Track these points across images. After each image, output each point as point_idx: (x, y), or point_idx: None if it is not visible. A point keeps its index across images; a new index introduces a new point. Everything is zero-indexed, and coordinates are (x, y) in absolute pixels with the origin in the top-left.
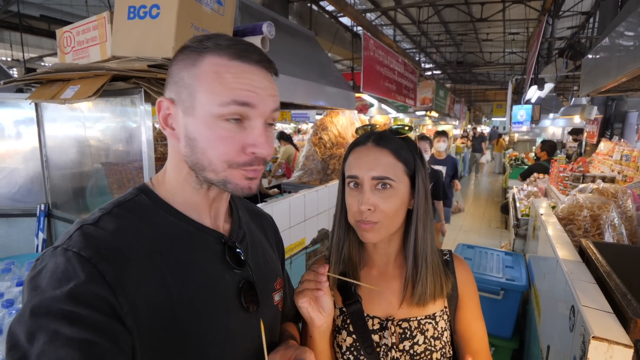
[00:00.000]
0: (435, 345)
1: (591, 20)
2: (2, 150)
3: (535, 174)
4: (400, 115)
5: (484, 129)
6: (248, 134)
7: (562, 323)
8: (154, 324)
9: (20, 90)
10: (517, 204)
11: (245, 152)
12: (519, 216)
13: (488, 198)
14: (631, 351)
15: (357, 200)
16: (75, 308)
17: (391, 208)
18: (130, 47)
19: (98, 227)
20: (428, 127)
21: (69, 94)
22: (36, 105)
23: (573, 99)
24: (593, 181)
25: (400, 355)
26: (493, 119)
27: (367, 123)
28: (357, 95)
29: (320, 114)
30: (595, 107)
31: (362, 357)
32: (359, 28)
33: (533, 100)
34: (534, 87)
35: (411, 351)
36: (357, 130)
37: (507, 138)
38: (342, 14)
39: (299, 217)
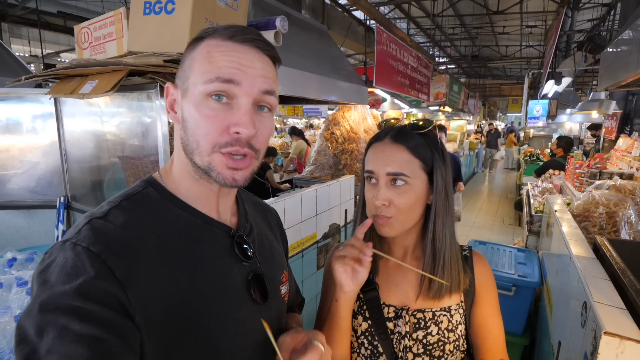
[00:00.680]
0: (448, 337)
1: (612, 12)
2: (23, 145)
3: (550, 170)
4: (414, 110)
5: (499, 124)
6: (234, 113)
7: (574, 319)
8: (165, 318)
9: (39, 86)
10: (531, 201)
11: (228, 131)
12: (533, 213)
13: (501, 194)
14: None
15: (374, 194)
16: (84, 304)
17: (405, 204)
18: (146, 43)
19: (107, 221)
20: (442, 123)
21: (87, 89)
22: (55, 100)
23: (592, 93)
24: (610, 178)
25: (413, 344)
26: (508, 114)
27: (391, 117)
28: (369, 89)
29: (332, 109)
30: (614, 102)
31: (375, 342)
32: (372, 22)
33: (550, 95)
34: (551, 82)
35: (424, 341)
36: (379, 125)
37: (522, 134)
38: (355, 8)
39: (311, 212)
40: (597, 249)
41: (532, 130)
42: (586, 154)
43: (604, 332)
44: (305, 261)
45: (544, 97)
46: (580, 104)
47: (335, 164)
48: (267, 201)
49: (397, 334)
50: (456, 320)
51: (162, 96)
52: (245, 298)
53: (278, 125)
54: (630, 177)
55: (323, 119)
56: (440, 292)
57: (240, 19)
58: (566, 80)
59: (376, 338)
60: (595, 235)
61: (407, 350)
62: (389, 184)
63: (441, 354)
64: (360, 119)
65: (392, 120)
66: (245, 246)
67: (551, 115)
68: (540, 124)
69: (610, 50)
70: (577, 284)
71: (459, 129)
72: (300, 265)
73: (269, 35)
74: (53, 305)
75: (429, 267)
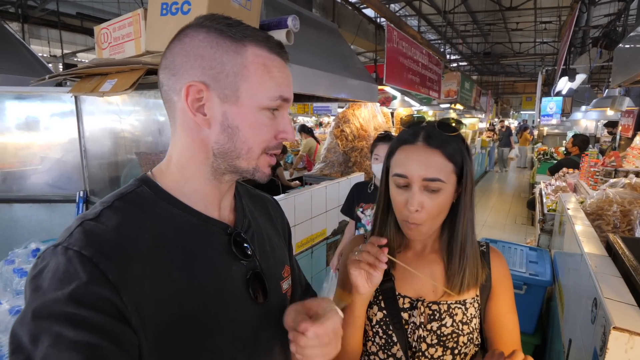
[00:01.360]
0: (462, 330)
1: (628, 7)
2: (43, 142)
3: (564, 169)
4: (424, 108)
5: (511, 122)
6: (279, 121)
7: (584, 316)
8: (162, 319)
9: (59, 85)
10: (544, 199)
11: (276, 137)
12: (545, 211)
13: (514, 193)
14: None
15: (405, 198)
16: (77, 310)
17: (437, 208)
18: (163, 42)
19: (99, 223)
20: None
21: (107, 87)
22: (76, 98)
23: (606, 90)
24: (626, 176)
25: (427, 335)
26: (522, 112)
27: (414, 114)
28: (379, 87)
29: (342, 107)
30: (627, 99)
31: (390, 332)
32: (383, 19)
33: (564, 92)
34: (565, 79)
35: (438, 332)
36: (401, 121)
37: (536, 132)
38: (365, 6)
39: (320, 209)
40: (610, 247)
41: (546, 128)
42: (603, 152)
43: (613, 327)
44: (315, 257)
45: (558, 94)
46: (594, 100)
47: (345, 161)
48: (277, 197)
49: (411, 324)
50: (471, 314)
51: None
52: (244, 297)
53: None
54: None
55: (333, 117)
56: (459, 287)
57: (253, 18)
58: (580, 77)
59: (391, 328)
60: (609, 233)
61: (421, 340)
62: (423, 188)
63: (455, 345)
64: (370, 117)
65: (414, 118)
66: (244, 244)
67: (565, 113)
68: (554, 121)
69: (624, 46)
70: (588, 281)
71: (470, 127)
72: (309, 261)
73: (280, 34)
74: (46, 312)
75: (453, 267)
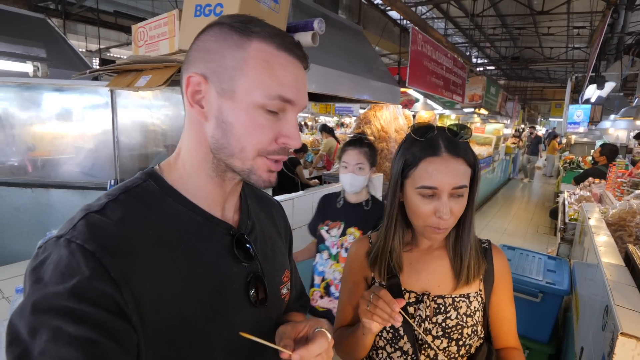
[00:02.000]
0: (466, 322)
1: None
2: (77, 132)
3: (590, 179)
4: (447, 112)
5: (539, 129)
6: (282, 125)
7: (596, 324)
8: (161, 318)
9: (95, 79)
10: (567, 208)
11: (277, 141)
12: (567, 220)
13: (538, 202)
14: None
15: (432, 207)
16: (78, 305)
17: (462, 210)
18: None
19: (103, 216)
20: (477, 125)
21: (142, 83)
22: (111, 92)
23: (636, 99)
24: None
25: (433, 327)
26: (550, 118)
27: (416, 124)
28: (402, 90)
29: (364, 108)
30: None
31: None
32: (408, 22)
33: (593, 100)
34: (593, 86)
35: (443, 324)
36: (414, 130)
37: (564, 140)
38: (390, 8)
39: None
40: (628, 258)
41: (574, 137)
42: (634, 163)
43: (621, 333)
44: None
45: (586, 102)
46: (623, 109)
47: None
48: (295, 195)
49: (417, 318)
50: (474, 307)
51: None
52: (243, 300)
53: (310, 123)
54: None
55: (354, 118)
56: (466, 280)
57: (281, 21)
58: (610, 85)
59: None
60: (629, 244)
61: (427, 332)
62: (451, 196)
63: (459, 337)
64: (392, 119)
65: (423, 124)
66: (246, 245)
67: (594, 122)
68: (581, 129)
69: None
70: (602, 289)
71: (494, 132)
72: None
73: (306, 37)
74: (46, 305)
75: (460, 262)
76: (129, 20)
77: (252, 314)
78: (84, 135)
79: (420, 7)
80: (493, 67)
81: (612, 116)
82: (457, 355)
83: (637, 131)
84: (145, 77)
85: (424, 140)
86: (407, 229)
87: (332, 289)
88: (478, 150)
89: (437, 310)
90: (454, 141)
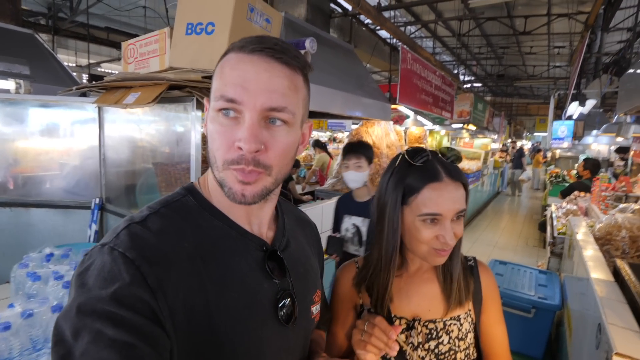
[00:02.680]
0: (459, 346)
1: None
2: (63, 148)
3: (576, 192)
4: (436, 128)
5: (525, 143)
6: (238, 128)
7: (590, 342)
8: (191, 329)
9: (83, 95)
10: (555, 222)
11: (233, 147)
12: (556, 234)
13: (526, 215)
14: None
15: (435, 233)
16: (118, 310)
17: (462, 231)
18: (186, 60)
19: (144, 227)
20: (465, 140)
21: (131, 100)
22: (99, 108)
23: (616, 116)
24: (636, 201)
25: (426, 355)
26: (535, 133)
27: (410, 148)
28: (393, 106)
29: (357, 124)
30: (633, 126)
31: (388, 356)
32: (398, 41)
33: (575, 117)
34: (575, 103)
35: (436, 350)
36: (410, 154)
37: (549, 154)
38: (380, 28)
39: (331, 223)
40: (617, 273)
41: (558, 151)
42: (616, 176)
43: (615, 353)
44: (325, 272)
45: (569, 118)
46: (604, 126)
47: None
48: None
49: (410, 345)
50: (465, 329)
51: (198, 109)
52: (271, 316)
53: None
54: None
55: (347, 133)
56: (457, 301)
57: None
58: (591, 102)
59: None
60: (617, 258)
61: None
62: (453, 220)
63: None
64: (383, 135)
65: (415, 148)
66: (278, 262)
67: (577, 137)
68: (565, 144)
69: (630, 75)
70: (594, 306)
71: (483, 147)
72: None
73: None
74: (90, 308)
75: (450, 283)
76: (121, 36)
77: (280, 332)
78: (70, 151)
79: (409, 27)
80: (480, 84)
81: (594, 132)
82: None
83: (618, 146)
84: (134, 94)
85: (422, 166)
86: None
87: None
88: (467, 164)
89: (429, 336)
90: (450, 165)
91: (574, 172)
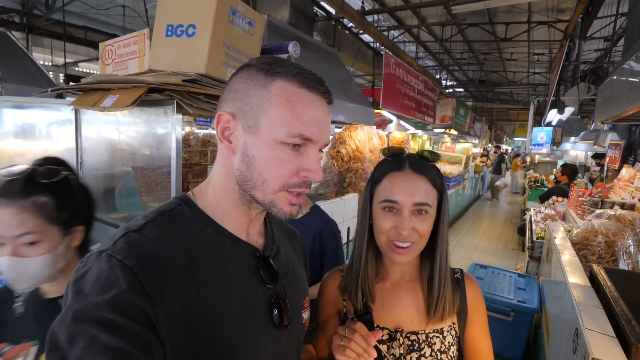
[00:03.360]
0: (441, 359)
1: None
2: (40, 150)
3: (554, 197)
4: (419, 132)
5: (505, 148)
6: (304, 159)
7: (567, 346)
8: (189, 335)
9: (59, 96)
10: (534, 226)
11: (298, 175)
12: (534, 238)
13: (506, 219)
14: None
15: (393, 223)
16: (115, 317)
17: (427, 231)
18: (166, 62)
19: (141, 235)
20: (447, 145)
21: (109, 103)
22: (76, 110)
23: (593, 124)
24: (612, 207)
25: None
26: (515, 138)
27: (389, 146)
28: (376, 111)
29: (339, 128)
30: (610, 134)
31: None
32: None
33: (554, 123)
34: (554, 111)
35: None
36: (383, 151)
37: (528, 159)
38: (364, 32)
39: None
40: (593, 278)
41: (537, 156)
42: (592, 181)
43: (592, 358)
44: None
45: (548, 124)
46: (582, 133)
47: (340, 181)
48: None
49: (391, 356)
50: (448, 342)
51: (178, 112)
52: (267, 321)
53: None
54: (632, 207)
55: (330, 137)
56: (443, 313)
57: (255, 43)
58: (569, 110)
59: None
60: (594, 263)
61: None
62: (412, 213)
63: None
64: (366, 139)
65: (396, 146)
66: (270, 268)
67: (555, 143)
68: (544, 150)
69: (607, 84)
70: (571, 311)
71: (464, 152)
72: None
73: None
74: (86, 315)
75: (435, 293)
76: (99, 35)
77: (275, 336)
78: (45, 153)
79: (392, 32)
80: (461, 90)
81: (572, 138)
82: None
83: (594, 152)
84: (112, 96)
85: (391, 159)
86: (377, 260)
87: None
88: (449, 168)
89: (411, 348)
90: (420, 161)
91: (552, 177)
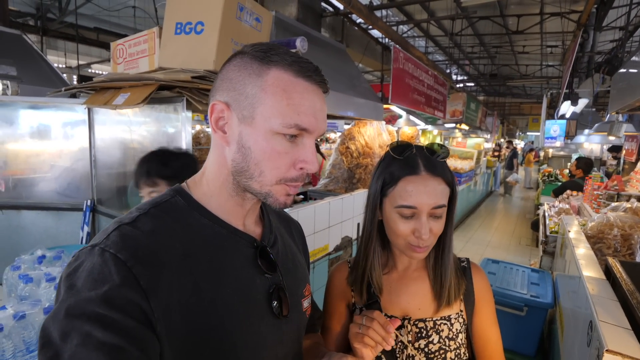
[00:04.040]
0: (449, 345)
1: (630, 35)
2: (54, 150)
3: (568, 191)
4: (429, 127)
5: (518, 143)
6: (300, 150)
7: (582, 339)
8: (187, 328)
9: (73, 96)
10: (547, 221)
11: (295, 167)
12: (548, 233)
13: (519, 214)
14: None
15: (411, 227)
16: (108, 312)
17: (441, 229)
18: (175, 60)
19: (135, 228)
20: (458, 140)
21: (120, 101)
22: (89, 109)
23: (608, 115)
24: (628, 200)
25: (416, 353)
26: (528, 132)
27: (398, 142)
28: (385, 106)
29: (349, 124)
30: (625, 125)
31: (379, 354)
32: (390, 40)
33: (567, 116)
34: (568, 103)
35: (426, 349)
36: (393, 148)
37: (542, 153)
38: (372, 27)
39: (324, 224)
40: (608, 271)
41: (551, 150)
42: (609, 175)
43: (606, 350)
44: (317, 273)
45: (562, 117)
46: (596, 125)
47: (350, 177)
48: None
49: (399, 344)
50: (456, 329)
51: (188, 109)
52: (266, 311)
53: None
54: None
55: (339, 133)
56: (449, 299)
57: (263, 39)
58: (583, 102)
59: None
60: (609, 257)
61: (410, 359)
62: (430, 216)
63: None
64: (376, 135)
65: (402, 142)
66: (269, 257)
67: (570, 136)
68: (558, 144)
69: (621, 73)
70: (585, 304)
71: (476, 147)
72: (311, 277)
73: None
74: (79, 310)
75: (440, 282)
76: (110, 37)
77: (275, 326)
78: (60, 153)
79: (401, 26)
80: (472, 84)
81: (587, 131)
82: None
83: (610, 144)
84: (123, 94)
85: (403, 159)
86: (384, 250)
87: None
88: (460, 164)
89: (419, 335)
90: (432, 160)
91: (567, 171)
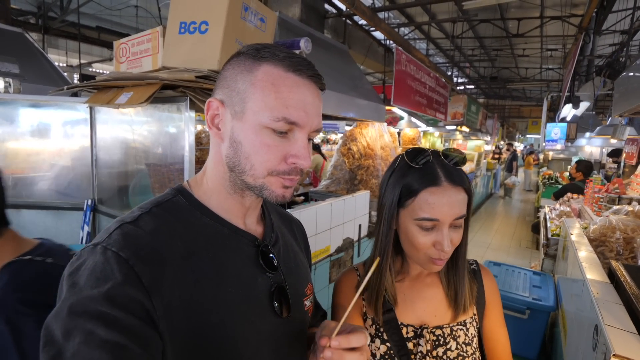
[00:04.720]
0: (467, 351)
1: (630, 39)
2: (54, 149)
3: (569, 194)
4: (430, 129)
5: (517, 145)
6: (291, 145)
7: (586, 343)
8: (189, 326)
9: (74, 95)
10: (548, 224)
11: (286, 161)
12: (549, 236)
13: (519, 217)
14: None
15: (432, 239)
16: (111, 310)
17: (460, 239)
18: (179, 59)
19: (137, 227)
20: (458, 142)
21: (123, 100)
22: (90, 108)
23: (610, 118)
24: (629, 203)
25: None
26: (528, 135)
27: (414, 148)
28: (387, 108)
29: (350, 125)
30: (628, 128)
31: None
32: (392, 42)
33: (568, 119)
34: (569, 106)
35: (444, 357)
36: (409, 157)
37: (541, 156)
38: (374, 29)
39: (325, 225)
40: (612, 274)
41: (551, 153)
42: (608, 178)
43: (613, 355)
44: (318, 274)
45: (562, 120)
46: (598, 128)
47: (351, 179)
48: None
49: (418, 354)
50: (471, 333)
51: (192, 109)
52: (268, 310)
53: None
54: None
55: (340, 135)
56: (464, 305)
57: (267, 39)
58: (584, 105)
59: None
60: (612, 260)
61: None
62: (450, 226)
63: None
64: (377, 136)
65: (417, 148)
66: (270, 256)
67: (570, 139)
68: (558, 147)
69: (625, 77)
70: (590, 307)
71: (476, 149)
72: (313, 278)
73: None
74: (81, 309)
75: (455, 287)
76: (112, 36)
77: (277, 324)
78: (61, 152)
79: (402, 29)
80: (473, 86)
81: (588, 134)
82: None
83: (611, 149)
84: (126, 94)
85: (421, 168)
86: (397, 256)
87: None
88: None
89: (437, 343)
90: (451, 168)
91: (567, 174)
